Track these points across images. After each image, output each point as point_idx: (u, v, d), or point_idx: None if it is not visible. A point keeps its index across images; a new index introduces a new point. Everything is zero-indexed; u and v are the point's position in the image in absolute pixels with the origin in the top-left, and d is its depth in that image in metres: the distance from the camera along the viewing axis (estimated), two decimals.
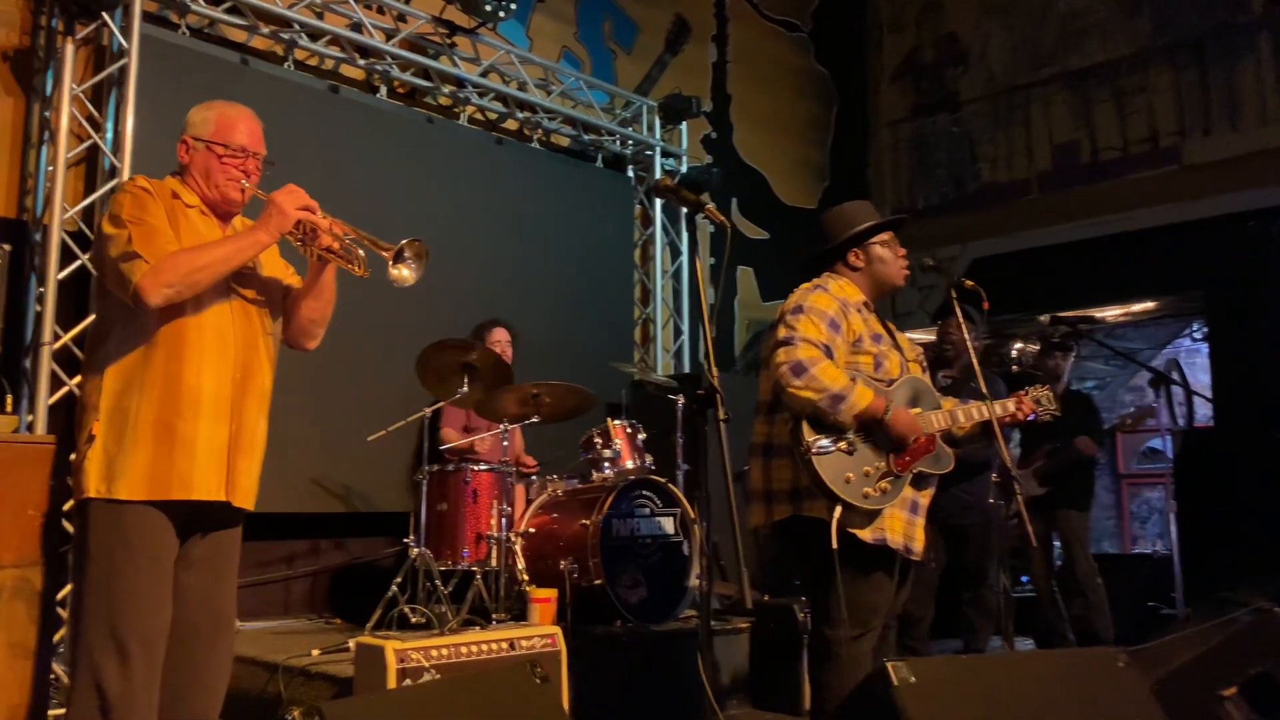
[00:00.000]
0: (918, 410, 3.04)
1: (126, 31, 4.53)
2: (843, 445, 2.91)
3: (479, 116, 6.26)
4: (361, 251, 2.66)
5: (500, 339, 5.13)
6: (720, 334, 7.63)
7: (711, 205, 2.46)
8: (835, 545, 2.85)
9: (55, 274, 4.27)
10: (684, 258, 7.16)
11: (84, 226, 4.49)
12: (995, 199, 8.32)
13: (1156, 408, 5.72)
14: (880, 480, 2.93)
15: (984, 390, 3.14)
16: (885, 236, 3.20)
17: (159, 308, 2.43)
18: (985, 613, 4.91)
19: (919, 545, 3.07)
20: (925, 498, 3.13)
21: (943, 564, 4.73)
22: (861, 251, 3.17)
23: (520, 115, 6.37)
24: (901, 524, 3.04)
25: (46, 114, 4.48)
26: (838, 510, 2.88)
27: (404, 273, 2.61)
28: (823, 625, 3.02)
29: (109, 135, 4.57)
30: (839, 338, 2.98)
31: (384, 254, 2.59)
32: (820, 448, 2.87)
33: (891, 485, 2.96)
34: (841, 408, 2.85)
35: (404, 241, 2.59)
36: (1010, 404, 3.29)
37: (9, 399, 3.27)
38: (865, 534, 2.95)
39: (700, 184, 7.01)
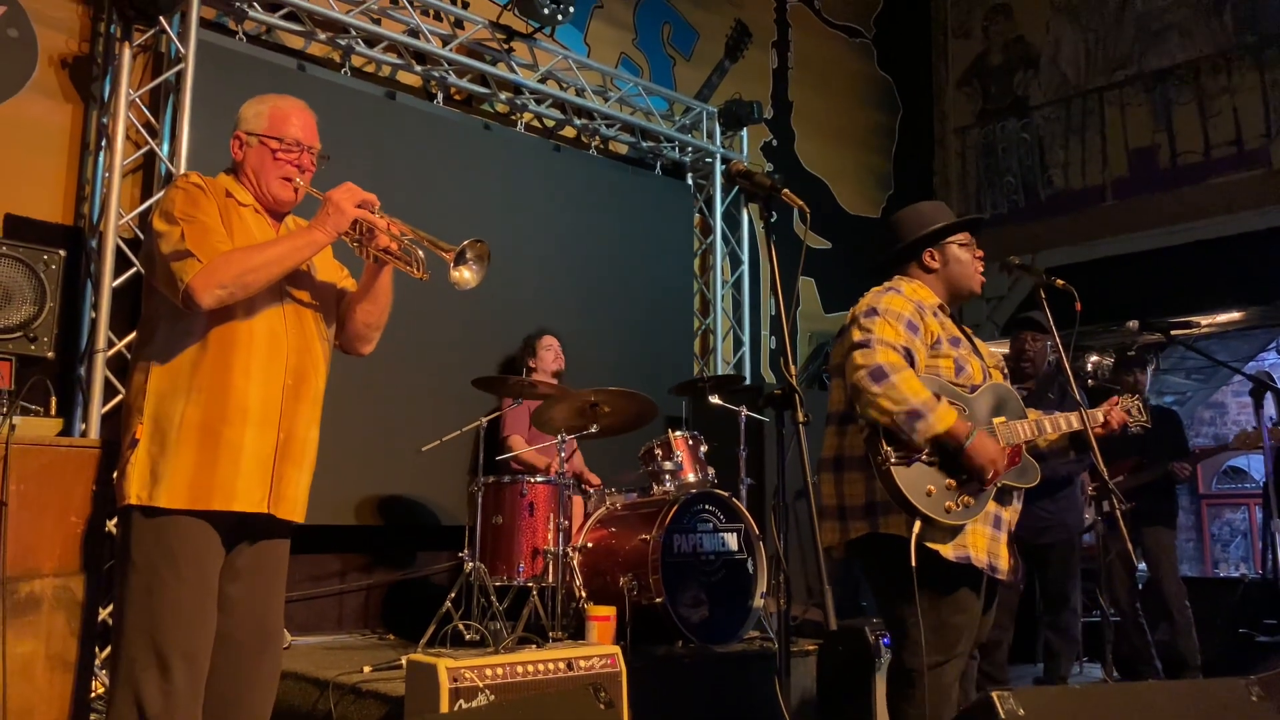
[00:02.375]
0: (1002, 419, 2.82)
1: (184, 37, 4.50)
2: (923, 455, 2.70)
3: (536, 123, 6.16)
4: (421, 253, 2.53)
5: (552, 345, 5.14)
6: (781, 346, 7.43)
7: (788, 190, 2.29)
8: (915, 563, 2.64)
9: (110, 281, 4.23)
10: (744, 267, 6.98)
11: (140, 233, 4.44)
12: (1067, 206, 8.01)
13: (1264, 432, 5.39)
14: (963, 494, 2.72)
15: (1078, 397, 2.91)
16: (963, 237, 2.98)
17: (210, 309, 2.32)
18: (1067, 638, 4.65)
19: (1004, 564, 2.84)
20: (1009, 513, 2.90)
21: (1023, 586, 4.48)
22: (937, 251, 2.95)
23: (578, 122, 6.25)
24: (985, 540, 2.81)
25: (104, 120, 4.46)
26: (917, 525, 2.66)
27: (465, 275, 2.46)
28: (902, 651, 2.80)
29: (165, 142, 4.54)
30: (917, 340, 2.76)
31: (445, 255, 2.45)
32: (899, 457, 2.66)
33: (976, 499, 2.73)
34: (919, 425, 2.61)
35: (466, 242, 2.45)
36: (1099, 414, 3.05)
37: (53, 401, 3.20)
38: (948, 551, 2.73)
39: None
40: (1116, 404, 3.09)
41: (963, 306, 7.44)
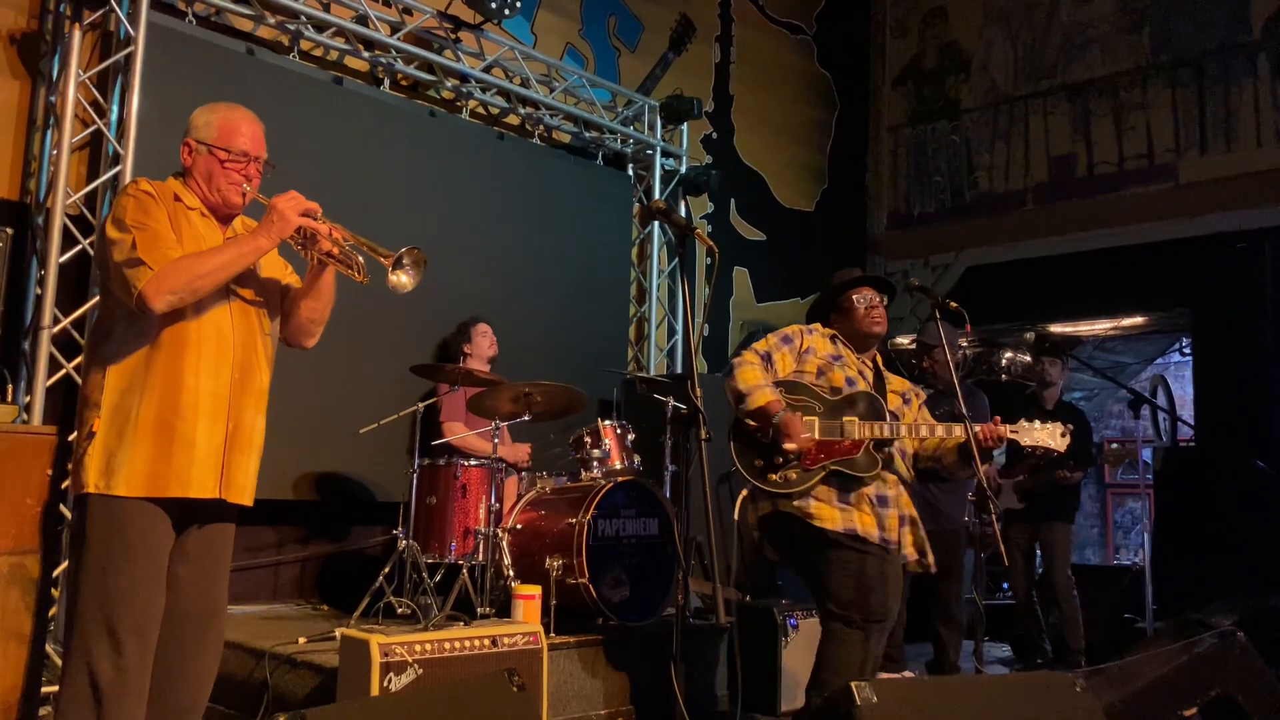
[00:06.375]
0: (852, 419, 3.26)
1: (134, 18, 4.57)
2: (758, 435, 3.25)
3: (481, 111, 6.30)
4: (360, 257, 2.72)
5: (487, 332, 5.35)
6: (715, 334, 7.71)
7: (700, 230, 2.53)
8: (736, 517, 3.36)
9: (56, 258, 4.31)
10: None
11: (86, 211, 4.54)
12: (991, 209, 8.38)
13: (1139, 451, 5.85)
14: (787, 469, 3.22)
15: (962, 410, 3.21)
16: (863, 291, 3.50)
17: (162, 313, 2.49)
18: (953, 624, 4.97)
19: (909, 550, 3.32)
20: (885, 489, 3.30)
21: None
22: (834, 312, 3.58)
23: (522, 111, 6.41)
24: (872, 518, 3.24)
25: (52, 98, 4.52)
26: (744, 492, 3.27)
27: (402, 279, 2.67)
28: (824, 609, 3.28)
29: (113, 121, 4.62)
30: (786, 350, 3.41)
31: (383, 260, 2.65)
32: (740, 435, 3.27)
33: (799, 475, 3.22)
34: (741, 405, 3.24)
35: (404, 249, 2.65)
36: (978, 429, 3.31)
37: (9, 388, 3.33)
38: (836, 525, 3.19)
39: (698, 184, 7.08)
40: (998, 421, 3.37)
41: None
